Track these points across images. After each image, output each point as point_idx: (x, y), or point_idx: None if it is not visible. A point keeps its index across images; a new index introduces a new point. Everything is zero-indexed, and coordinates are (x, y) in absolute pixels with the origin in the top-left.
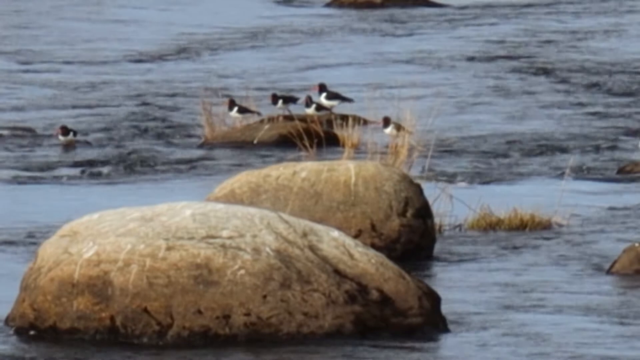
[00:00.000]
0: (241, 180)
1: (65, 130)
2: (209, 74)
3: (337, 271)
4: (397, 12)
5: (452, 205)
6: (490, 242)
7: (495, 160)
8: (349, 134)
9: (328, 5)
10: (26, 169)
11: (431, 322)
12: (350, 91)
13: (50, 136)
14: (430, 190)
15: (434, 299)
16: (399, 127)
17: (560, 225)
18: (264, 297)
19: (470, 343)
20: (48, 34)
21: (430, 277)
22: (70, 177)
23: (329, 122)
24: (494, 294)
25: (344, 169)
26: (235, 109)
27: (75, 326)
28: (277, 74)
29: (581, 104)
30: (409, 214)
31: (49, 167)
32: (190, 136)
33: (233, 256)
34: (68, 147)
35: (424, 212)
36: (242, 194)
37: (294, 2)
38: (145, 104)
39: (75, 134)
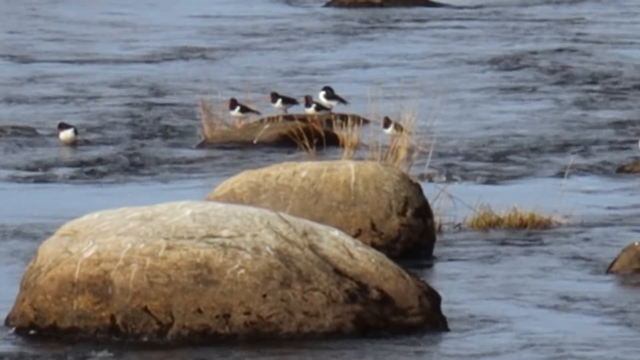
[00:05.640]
0: (241, 180)
1: (64, 127)
2: (208, 74)
3: (337, 270)
4: (397, 11)
5: (452, 204)
6: (490, 242)
7: (495, 159)
8: (348, 133)
9: (328, 5)
10: (26, 169)
11: (431, 321)
12: (350, 91)
13: (50, 136)
14: (430, 190)
15: (434, 298)
16: (399, 127)
17: (560, 225)
18: (264, 296)
19: (470, 342)
20: (48, 32)
21: (430, 277)
22: (70, 177)
23: (329, 122)
24: (493, 293)
25: (344, 168)
26: (237, 108)
27: (75, 325)
28: (276, 73)
29: (581, 104)
30: (408, 214)
31: (49, 166)
32: (190, 136)
33: (233, 255)
34: (68, 146)
35: (424, 211)
36: (242, 193)
37: (294, 2)
38: (145, 103)
39: (75, 131)
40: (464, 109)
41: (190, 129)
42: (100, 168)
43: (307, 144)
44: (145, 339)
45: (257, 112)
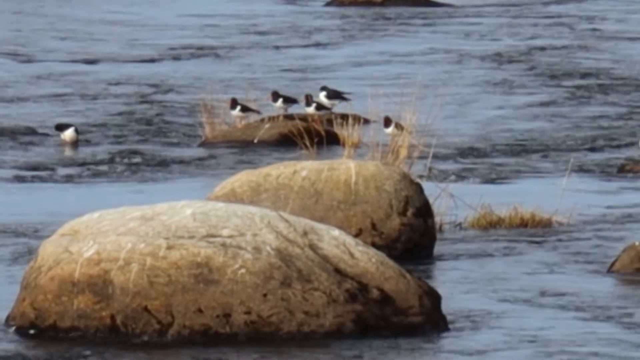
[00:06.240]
0: (241, 179)
1: (62, 127)
2: (209, 73)
3: (337, 270)
4: (397, 10)
5: (453, 204)
6: (491, 241)
7: (496, 159)
8: (349, 133)
9: (329, 4)
10: (26, 168)
11: (431, 321)
12: (350, 90)
13: (51, 135)
14: (431, 189)
15: (435, 298)
16: (399, 127)
17: (561, 224)
18: (265, 295)
19: (470, 342)
20: (49, 32)
21: (431, 276)
22: (70, 177)
23: (330, 121)
24: (494, 293)
25: (345, 168)
26: (238, 107)
27: (75, 325)
28: (277, 72)
29: (582, 103)
30: (409, 213)
31: (50, 166)
32: (190, 135)
33: (233, 255)
34: (69, 145)
35: (425, 211)
36: (242, 193)
37: (295, 1)
38: (146, 103)
39: (76, 130)
40: (464, 108)
41: (191, 129)
42: (101, 167)
43: (307, 143)
44: (145, 338)
45: (258, 112)
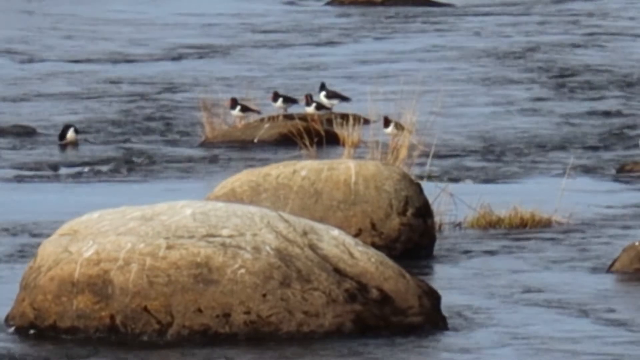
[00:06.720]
0: (241, 179)
1: (64, 133)
2: (209, 73)
3: (337, 270)
4: (398, 10)
5: (452, 204)
6: (490, 241)
7: (496, 158)
8: (349, 132)
9: (329, 3)
10: (26, 168)
11: (431, 321)
12: (350, 89)
13: (51, 135)
14: (431, 189)
15: (434, 298)
16: (399, 126)
17: (561, 224)
18: (264, 295)
19: (470, 342)
20: (53, 30)
21: (430, 276)
22: (70, 176)
23: (329, 121)
24: (493, 293)
25: (344, 167)
26: (238, 107)
27: (75, 325)
28: (277, 71)
29: (582, 103)
30: (409, 213)
31: (49, 166)
32: (190, 135)
33: (233, 255)
34: (69, 145)
35: (424, 211)
36: (242, 192)
37: (295, 0)
38: (146, 102)
39: (76, 130)
40: (464, 107)
41: (191, 128)
42: (101, 167)
43: (307, 143)
44: (145, 338)
45: (258, 112)
